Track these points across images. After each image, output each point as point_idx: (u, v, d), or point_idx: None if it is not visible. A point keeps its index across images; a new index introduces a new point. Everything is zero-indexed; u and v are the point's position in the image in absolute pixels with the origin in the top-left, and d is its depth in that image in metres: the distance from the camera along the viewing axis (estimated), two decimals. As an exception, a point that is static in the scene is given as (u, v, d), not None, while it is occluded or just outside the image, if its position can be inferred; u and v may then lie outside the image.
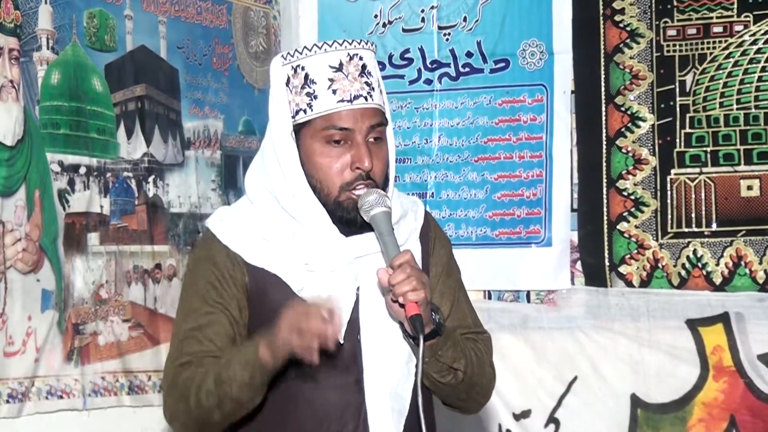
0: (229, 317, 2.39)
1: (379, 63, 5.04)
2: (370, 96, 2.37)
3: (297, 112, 2.38)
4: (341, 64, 2.37)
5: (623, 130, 4.47)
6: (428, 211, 2.61)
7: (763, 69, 4.31)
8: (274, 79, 2.42)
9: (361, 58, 2.39)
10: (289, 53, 2.40)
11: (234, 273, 2.39)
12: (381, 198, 2.33)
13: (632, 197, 4.45)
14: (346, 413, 2.38)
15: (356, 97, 2.36)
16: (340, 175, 2.36)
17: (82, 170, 3.73)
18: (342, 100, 2.35)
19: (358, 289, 2.39)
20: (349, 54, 2.38)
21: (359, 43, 2.40)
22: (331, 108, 2.35)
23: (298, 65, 2.38)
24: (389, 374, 2.37)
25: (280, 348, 2.23)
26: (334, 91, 2.35)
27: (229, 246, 2.40)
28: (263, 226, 2.40)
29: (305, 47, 2.39)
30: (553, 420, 4.48)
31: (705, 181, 4.38)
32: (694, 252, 4.37)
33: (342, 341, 2.35)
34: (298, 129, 2.39)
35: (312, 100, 2.36)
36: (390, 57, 4.73)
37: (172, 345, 2.43)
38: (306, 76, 2.37)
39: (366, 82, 2.38)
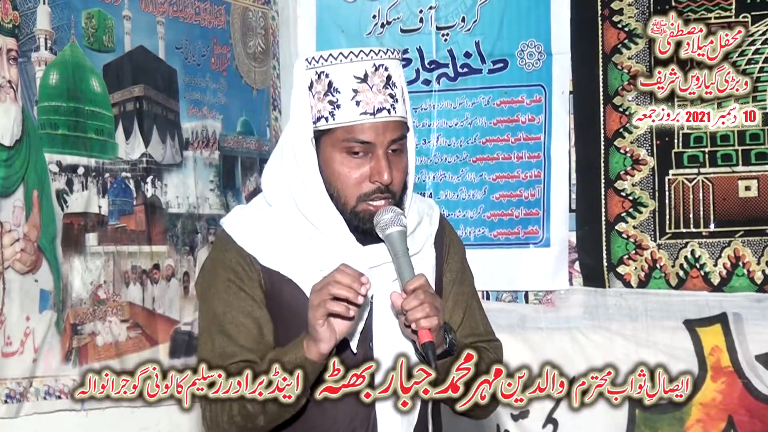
0: (254, 317, 2.38)
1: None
2: (393, 108, 2.35)
3: (318, 119, 2.36)
4: (366, 75, 2.35)
5: (621, 130, 4.47)
6: (443, 214, 2.61)
7: (761, 69, 4.32)
8: (297, 82, 2.41)
9: (386, 69, 2.37)
10: (313, 58, 2.38)
11: (251, 274, 2.38)
12: (396, 217, 2.32)
13: (630, 198, 4.45)
14: (355, 420, 2.38)
15: (379, 110, 2.34)
16: (359, 186, 2.35)
17: (81, 171, 3.73)
18: (365, 113, 2.33)
19: (372, 297, 2.38)
20: (374, 64, 2.36)
21: (385, 53, 2.38)
22: (353, 120, 2.33)
23: (322, 72, 2.36)
24: None
25: (318, 332, 2.22)
26: (358, 103, 2.33)
27: (244, 248, 2.40)
28: (280, 230, 2.40)
29: (330, 54, 2.36)
30: (551, 420, 4.48)
31: (703, 181, 4.38)
32: (692, 252, 4.37)
33: (355, 350, 2.36)
34: (319, 135, 2.37)
35: (335, 108, 2.34)
36: (388, 57, 4.72)
37: (203, 353, 2.41)
38: (330, 84, 2.35)
39: (390, 94, 2.36)
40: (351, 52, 2.36)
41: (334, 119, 2.34)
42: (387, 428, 2.38)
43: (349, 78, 2.34)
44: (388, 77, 2.37)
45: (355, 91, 2.34)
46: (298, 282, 2.36)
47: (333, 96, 2.34)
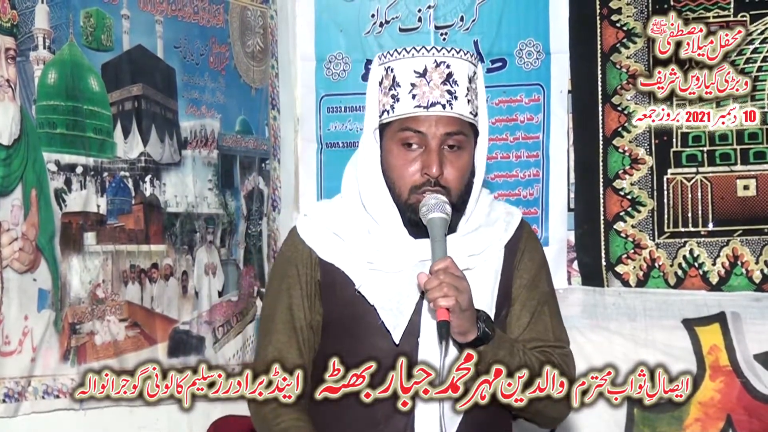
0: (299, 322, 2.49)
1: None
2: (450, 104, 2.40)
3: (382, 113, 2.45)
4: (426, 70, 2.41)
5: (620, 129, 4.47)
6: (526, 222, 2.63)
7: (759, 68, 4.32)
8: (371, 78, 2.49)
9: (448, 66, 2.42)
10: (383, 54, 2.47)
11: (308, 270, 2.49)
12: (440, 204, 2.36)
13: (629, 197, 4.46)
14: (396, 415, 2.40)
15: (433, 104, 2.40)
16: (411, 178, 2.41)
17: (79, 170, 3.72)
18: (419, 106, 2.40)
19: (422, 292, 2.40)
20: (435, 61, 2.42)
21: (449, 51, 2.44)
22: (408, 112, 2.40)
23: (389, 67, 2.44)
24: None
25: None
26: (414, 96, 2.40)
27: (306, 241, 2.50)
28: (340, 222, 2.49)
29: (396, 50, 2.45)
30: (549, 419, 4.47)
31: (701, 180, 4.38)
32: (691, 252, 4.38)
33: (397, 342, 2.39)
34: (382, 129, 2.45)
35: (395, 102, 2.42)
36: (387, 56, 4.73)
37: (260, 337, 2.57)
38: (393, 78, 2.43)
39: (448, 90, 2.41)
40: (415, 47, 2.44)
41: (393, 112, 2.42)
42: (424, 424, 2.39)
43: (409, 72, 2.41)
44: (449, 74, 2.41)
45: (413, 84, 2.40)
46: (348, 274, 2.44)
47: (395, 90, 2.42)
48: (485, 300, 2.43)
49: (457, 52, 2.44)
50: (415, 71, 2.41)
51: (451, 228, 2.42)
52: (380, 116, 2.45)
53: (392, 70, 2.43)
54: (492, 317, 2.42)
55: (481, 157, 2.49)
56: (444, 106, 2.39)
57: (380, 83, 2.45)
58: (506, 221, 2.56)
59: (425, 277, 2.29)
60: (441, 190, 2.39)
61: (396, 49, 2.45)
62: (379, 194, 2.44)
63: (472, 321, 2.32)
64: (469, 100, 2.43)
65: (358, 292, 2.41)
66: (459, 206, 2.43)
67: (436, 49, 2.43)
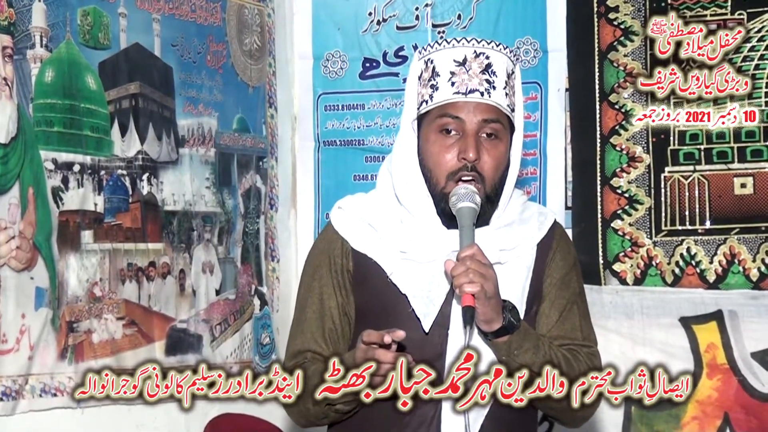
0: (329, 311, 2.52)
1: (373, 61, 5.02)
2: (488, 93, 2.43)
3: (421, 104, 2.48)
4: (465, 60, 2.44)
5: (617, 127, 4.47)
6: (559, 223, 2.65)
7: (756, 66, 4.32)
8: (411, 72, 2.53)
9: (487, 57, 2.45)
10: (424, 47, 2.51)
11: (341, 260, 2.51)
12: (470, 194, 2.39)
13: (626, 195, 4.46)
14: (423, 407, 2.41)
15: (472, 91, 2.43)
16: (448, 164, 2.43)
17: (76, 168, 3.72)
18: (458, 92, 2.43)
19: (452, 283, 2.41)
20: (475, 51, 2.45)
21: (488, 44, 2.47)
22: (446, 98, 2.43)
23: (429, 59, 2.48)
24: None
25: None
26: (453, 83, 2.43)
27: (339, 231, 2.53)
28: (374, 213, 2.51)
29: (436, 42, 2.49)
30: (547, 418, 4.47)
31: (699, 178, 4.38)
32: (688, 250, 4.38)
33: (427, 330, 2.41)
34: (420, 119, 2.48)
35: (434, 91, 2.45)
36: (384, 55, 4.73)
37: (291, 327, 2.59)
38: (433, 69, 2.47)
39: (487, 80, 2.44)
40: (455, 38, 2.47)
41: (432, 101, 2.45)
42: (450, 418, 2.40)
43: (449, 62, 2.45)
44: (488, 65, 2.45)
45: (453, 73, 2.44)
46: (380, 263, 2.47)
47: (434, 80, 2.45)
48: (516, 296, 2.45)
49: (497, 45, 2.47)
50: (454, 60, 2.44)
51: (485, 221, 2.46)
52: (419, 107, 2.47)
53: (432, 62, 2.46)
54: (522, 313, 2.44)
55: (516, 154, 2.51)
56: (482, 94, 2.42)
57: (419, 77, 2.48)
58: (539, 221, 2.58)
59: (452, 264, 2.31)
60: (477, 176, 2.41)
61: (437, 41, 2.49)
62: (415, 185, 2.46)
63: (498, 310, 2.34)
64: (506, 94, 2.46)
65: (390, 280, 2.44)
66: (493, 198, 2.46)
67: (476, 40, 2.46)
